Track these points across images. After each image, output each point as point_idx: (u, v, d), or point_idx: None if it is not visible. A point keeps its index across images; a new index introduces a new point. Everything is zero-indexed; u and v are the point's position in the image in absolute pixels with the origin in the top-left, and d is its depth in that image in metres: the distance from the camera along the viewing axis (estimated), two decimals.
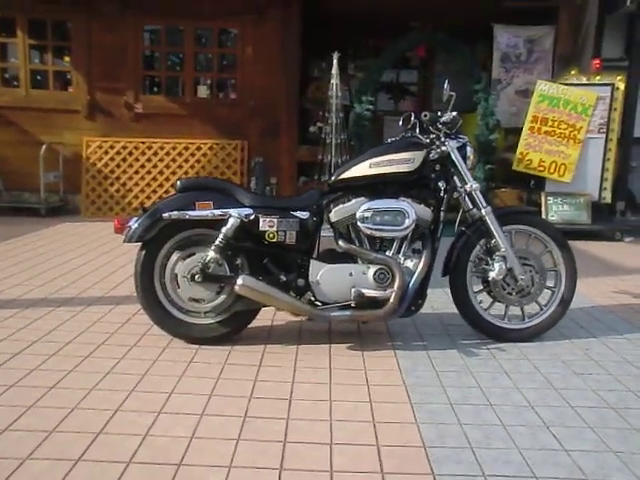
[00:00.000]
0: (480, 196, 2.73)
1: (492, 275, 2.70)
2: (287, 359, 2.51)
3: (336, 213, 2.63)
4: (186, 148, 6.28)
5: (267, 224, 2.56)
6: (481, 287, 2.82)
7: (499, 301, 2.80)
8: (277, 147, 6.40)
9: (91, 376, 2.25)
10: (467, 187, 2.70)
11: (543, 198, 5.92)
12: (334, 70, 5.65)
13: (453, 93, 2.72)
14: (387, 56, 6.05)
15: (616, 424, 1.98)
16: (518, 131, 6.50)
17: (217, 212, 2.54)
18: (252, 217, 2.55)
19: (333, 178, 2.71)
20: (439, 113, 2.71)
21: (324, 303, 2.61)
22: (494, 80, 6.46)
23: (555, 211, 5.88)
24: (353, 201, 2.64)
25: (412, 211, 2.59)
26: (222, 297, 2.60)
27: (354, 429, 1.92)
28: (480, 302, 2.80)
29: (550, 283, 2.82)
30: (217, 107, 6.45)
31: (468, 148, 2.76)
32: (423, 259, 2.60)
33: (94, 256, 4.30)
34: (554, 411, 2.07)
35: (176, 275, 2.59)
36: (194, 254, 2.59)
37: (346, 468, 1.68)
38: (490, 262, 2.73)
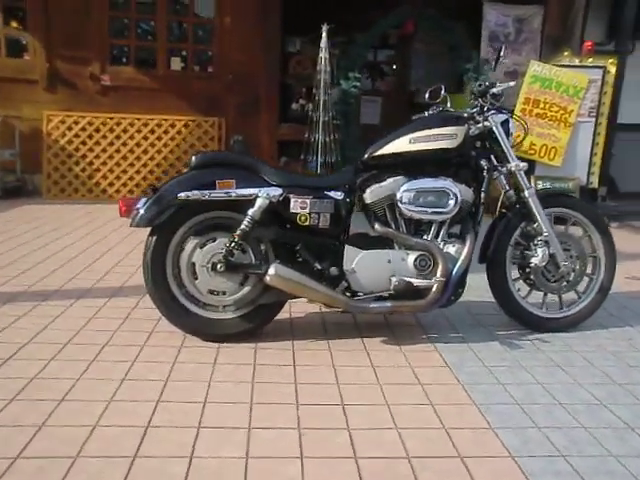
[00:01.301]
0: (524, 176, 2.56)
1: (535, 261, 2.54)
2: (322, 357, 2.27)
3: (372, 193, 2.38)
4: (159, 125, 5.83)
5: (299, 205, 2.29)
6: (517, 274, 2.68)
7: (537, 289, 2.65)
8: (257, 125, 6.05)
9: (104, 385, 1.93)
10: (511, 166, 2.51)
11: (533, 182, 5.87)
12: (323, 44, 5.34)
13: (507, 60, 2.51)
14: (375, 31, 5.80)
15: None
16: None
17: (242, 192, 2.25)
18: (282, 198, 2.27)
19: (367, 155, 2.46)
20: (487, 83, 2.50)
21: (358, 293, 2.39)
22: (482, 60, 6.33)
23: None
24: (391, 180, 2.40)
25: (458, 191, 2.38)
26: (246, 288, 2.32)
27: (426, 437, 1.71)
28: (518, 290, 2.65)
29: (589, 269, 2.70)
30: (192, 81, 6.02)
31: (511, 123, 2.57)
32: (467, 245, 2.40)
33: (70, 241, 3.88)
34: (630, 410, 1.93)
35: (193, 264, 2.28)
36: (214, 240, 2.29)
37: None
38: (532, 247, 2.58)
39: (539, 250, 2.54)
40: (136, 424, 1.70)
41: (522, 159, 6.02)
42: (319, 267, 2.32)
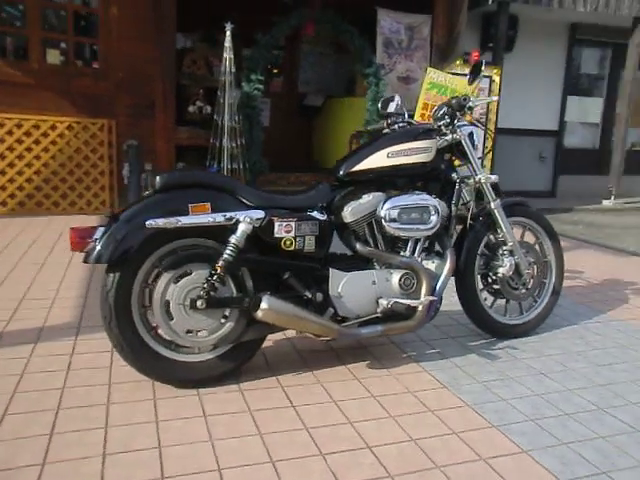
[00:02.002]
0: (490, 188, 2.60)
1: (502, 271, 2.60)
2: (315, 392, 2.08)
3: (353, 212, 2.25)
4: (36, 127, 5.08)
5: (283, 229, 2.08)
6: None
7: (502, 297, 2.73)
8: (152, 128, 5.55)
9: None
10: (480, 178, 2.54)
11: None
12: (227, 43, 5.05)
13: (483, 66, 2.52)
14: (277, 31, 5.63)
15: None
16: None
17: (220, 217, 1.98)
18: (265, 221, 2.04)
19: (342, 171, 2.31)
20: (464, 97, 2.48)
21: (345, 319, 2.24)
22: (378, 65, 6.48)
23: None
24: (370, 197, 2.29)
25: (438, 206, 2.34)
26: (229, 325, 2.04)
27: (471, 473, 1.63)
28: (485, 299, 2.69)
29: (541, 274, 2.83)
30: (75, 77, 5.33)
31: (475, 135, 2.60)
32: (448, 260, 2.38)
33: None
34: (631, 414, 2.03)
35: (167, 302, 1.96)
36: (190, 273, 1.99)
37: None
38: (497, 257, 2.63)
39: (506, 260, 2.60)
40: None
41: None
42: (308, 295, 2.13)
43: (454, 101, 2.48)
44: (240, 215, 2.00)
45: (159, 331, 2.04)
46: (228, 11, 5.55)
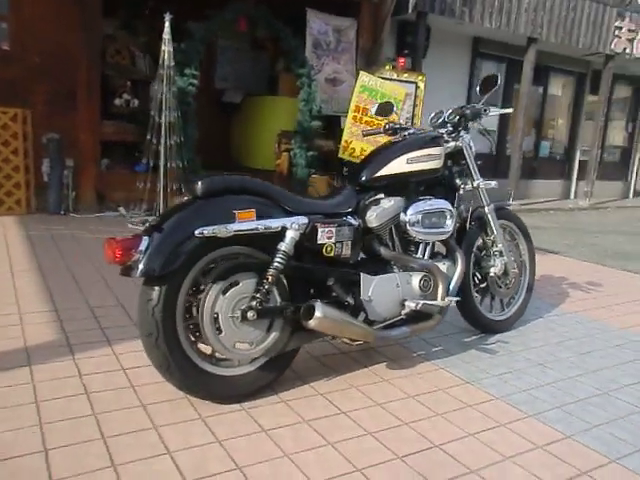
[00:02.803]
0: (485, 192, 2.79)
1: (494, 271, 2.82)
2: (355, 396, 2.11)
3: (378, 217, 2.30)
4: None
5: (326, 235, 2.08)
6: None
7: (490, 295, 2.94)
8: (74, 120, 5.13)
9: None
10: (479, 183, 2.72)
11: None
12: (166, 35, 4.80)
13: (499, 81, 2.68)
14: (211, 25, 5.46)
15: None
16: (329, 118, 6.82)
17: (269, 224, 1.93)
18: (309, 228, 2.03)
19: (366, 176, 2.36)
20: (477, 106, 2.64)
21: (373, 322, 2.29)
22: (310, 66, 6.54)
23: None
24: (392, 202, 2.36)
25: (453, 211, 2.48)
26: (274, 335, 2.00)
27: (538, 461, 1.77)
28: (476, 297, 2.89)
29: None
30: None
31: (471, 142, 2.78)
32: (460, 262, 2.52)
33: None
34: (631, 395, 2.31)
35: (216, 315, 1.87)
36: (237, 283, 1.91)
37: None
38: (489, 258, 2.84)
39: (497, 260, 2.82)
40: None
41: (353, 163, 6.54)
42: (350, 301, 2.15)
43: (468, 111, 2.63)
44: (287, 222, 1.97)
45: (199, 345, 1.95)
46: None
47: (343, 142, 6.16)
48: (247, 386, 2.01)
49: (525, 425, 2.00)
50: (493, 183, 2.77)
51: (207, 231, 1.80)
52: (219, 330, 1.89)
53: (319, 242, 2.06)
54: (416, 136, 2.56)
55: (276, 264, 1.93)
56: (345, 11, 6.69)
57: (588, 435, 1.96)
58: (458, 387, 2.28)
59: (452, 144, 2.64)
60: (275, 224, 1.94)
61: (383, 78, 6.26)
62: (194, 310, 1.94)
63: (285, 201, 2.05)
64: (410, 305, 2.30)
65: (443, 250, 2.63)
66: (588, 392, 2.32)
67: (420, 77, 6.55)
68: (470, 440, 1.87)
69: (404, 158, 2.40)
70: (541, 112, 10.37)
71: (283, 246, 1.95)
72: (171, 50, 4.84)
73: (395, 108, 2.83)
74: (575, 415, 2.10)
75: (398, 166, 2.39)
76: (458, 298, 2.42)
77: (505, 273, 2.89)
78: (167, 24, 4.79)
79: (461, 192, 2.66)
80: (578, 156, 10.76)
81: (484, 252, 2.88)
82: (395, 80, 6.35)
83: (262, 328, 1.98)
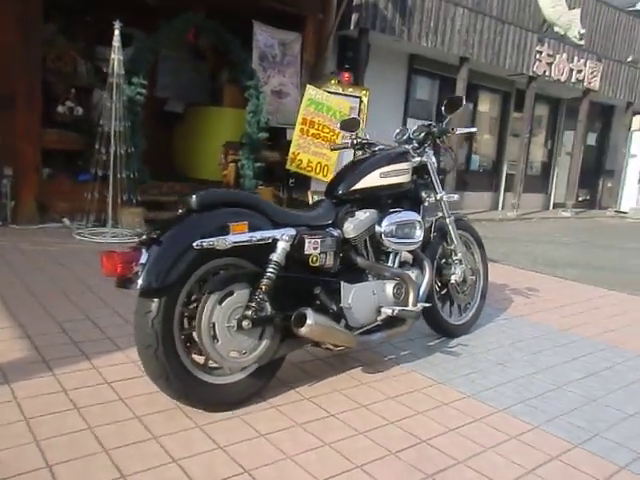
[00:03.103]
0: (446, 205, 3.00)
1: (455, 278, 3.03)
2: (340, 400, 2.23)
3: (355, 228, 2.45)
4: None
5: (312, 246, 2.20)
6: None
7: (449, 301, 3.15)
8: (12, 127, 4.93)
9: None
10: (442, 196, 2.93)
11: (310, 196, 6.51)
12: (116, 42, 4.74)
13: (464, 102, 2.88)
14: (160, 34, 5.44)
15: None
16: (274, 130, 6.92)
17: (259, 235, 2.02)
18: (297, 239, 2.13)
19: (343, 190, 2.50)
20: (443, 125, 2.84)
21: (352, 329, 2.42)
22: (258, 78, 6.63)
23: None
24: (367, 213, 2.52)
25: (422, 222, 2.66)
26: (265, 343, 2.08)
27: (516, 449, 1.96)
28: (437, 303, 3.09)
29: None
30: None
31: (434, 157, 2.98)
32: (427, 270, 2.71)
33: None
34: (581, 388, 2.58)
35: (213, 325, 1.93)
36: (232, 293, 1.98)
37: None
38: (449, 266, 3.06)
39: (457, 268, 3.04)
40: None
41: (299, 175, 6.69)
42: (334, 308, 2.27)
43: (435, 129, 2.83)
44: (277, 233, 2.06)
45: (194, 356, 2.00)
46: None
47: (291, 154, 6.28)
48: (239, 393, 2.08)
49: (497, 419, 2.20)
50: (455, 196, 3.00)
51: (206, 243, 1.87)
52: (215, 339, 1.95)
53: (306, 252, 2.18)
54: (386, 152, 2.73)
55: (269, 274, 2.02)
56: (290, 25, 6.85)
57: (552, 425, 2.18)
58: (432, 387, 2.45)
59: (417, 159, 2.84)
60: (267, 235, 2.04)
61: (329, 92, 6.45)
62: (185, 321, 1.99)
63: (272, 213, 2.14)
64: (387, 311, 2.45)
65: (409, 259, 2.82)
66: (545, 387, 2.56)
67: (364, 92, 6.80)
68: (452, 435, 2.04)
69: (377, 172, 2.56)
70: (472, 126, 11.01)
71: (275, 256, 2.04)
72: (121, 58, 4.78)
73: (359, 123, 2.97)
74: (538, 408, 2.32)
75: (372, 180, 2.55)
76: (430, 304, 2.60)
77: (464, 280, 3.11)
78: (117, 32, 4.74)
79: (426, 204, 2.86)
80: (505, 169, 11.50)
81: (444, 260, 3.09)
82: (340, 94, 6.56)
83: (255, 336, 2.06)
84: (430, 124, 2.93)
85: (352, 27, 7.38)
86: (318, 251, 2.22)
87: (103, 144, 4.85)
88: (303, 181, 6.63)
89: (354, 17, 7.37)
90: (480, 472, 1.81)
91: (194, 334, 1.98)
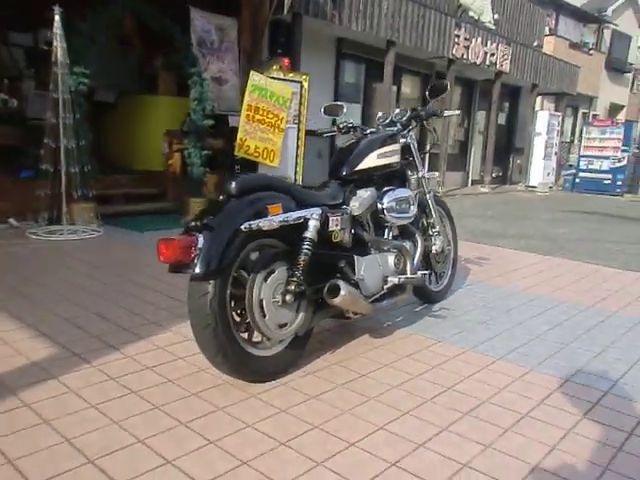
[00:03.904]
0: (427, 182, 3.33)
1: (435, 248, 3.38)
2: (372, 365, 2.52)
3: (361, 205, 2.71)
4: None
5: (334, 223, 2.45)
6: None
7: (431, 270, 3.50)
8: None
9: None
10: (423, 174, 3.25)
11: None
12: (57, 29, 4.60)
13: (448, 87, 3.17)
14: (98, 21, 5.32)
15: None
16: (216, 117, 6.97)
17: (295, 215, 2.23)
18: (323, 217, 2.37)
19: (346, 171, 2.74)
20: (430, 109, 3.14)
21: (365, 297, 2.69)
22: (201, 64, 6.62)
23: None
24: (369, 192, 2.79)
25: (414, 197, 2.98)
26: (301, 315, 2.32)
27: (520, 388, 2.34)
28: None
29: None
30: None
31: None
32: (419, 242, 3.04)
33: None
34: (557, 334, 3.04)
35: (261, 301, 2.13)
36: (274, 271, 2.18)
37: None
38: (430, 237, 3.40)
39: (437, 240, 3.39)
40: None
41: (247, 160, 6.82)
42: (353, 279, 2.52)
43: (423, 112, 3.13)
44: (308, 213, 2.29)
45: (261, 329, 2.19)
46: None
47: (238, 140, 6.38)
48: (280, 364, 2.31)
49: (499, 366, 2.58)
50: (437, 174, 3.34)
51: (254, 225, 2.06)
52: (264, 314, 2.15)
53: (330, 229, 2.42)
54: (379, 134, 3.01)
55: (305, 250, 2.24)
56: (226, 10, 6.89)
57: (543, 366, 2.60)
58: (434, 345, 2.79)
59: (403, 141, 3.14)
60: (301, 215, 2.25)
61: (272, 77, 6.61)
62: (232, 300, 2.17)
63: (298, 195, 2.36)
64: (394, 280, 2.75)
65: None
66: (525, 338, 2.98)
67: (304, 77, 7.01)
68: (469, 381, 2.39)
69: (375, 154, 2.84)
70: (397, 107, 11.54)
71: (308, 234, 2.27)
72: (64, 46, 4.67)
73: (344, 109, 3.21)
74: (527, 355, 2.74)
75: (371, 161, 2.82)
76: (429, 271, 2.93)
77: (442, 250, 3.48)
78: (57, 17, 4.61)
79: (412, 181, 3.18)
80: (428, 148, 12.16)
81: (424, 233, 3.44)
82: (282, 79, 6.73)
83: (294, 310, 2.28)
84: (416, 108, 3.23)
85: (285, 12, 7.53)
86: (339, 227, 2.47)
87: (51, 138, 4.73)
88: (250, 167, 6.76)
89: (287, 2, 7.52)
90: (502, 406, 2.17)
91: (238, 312, 2.17)
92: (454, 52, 10.63)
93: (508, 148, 15.54)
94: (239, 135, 6.39)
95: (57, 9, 4.60)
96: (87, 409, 1.95)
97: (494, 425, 2.02)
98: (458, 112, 3.64)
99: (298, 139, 7.07)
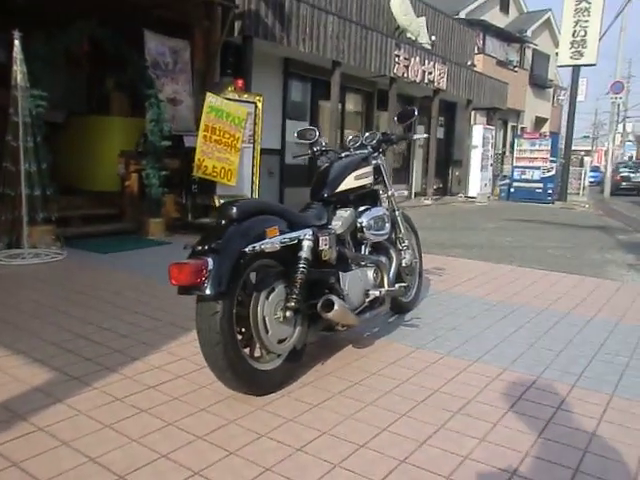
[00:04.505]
0: (395, 199, 3.54)
1: (404, 262, 3.59)
2: (359, 375, 2.67)
3: (343, 224, 2.88)
4: None
5: (324, 243, 2.59)
6: None
7: (400, 282, 3.71)
8: None
9: None
10: (392, 192, 3.46)
11: (217, 201, 6.72)
12: (17, 54, 4.55)
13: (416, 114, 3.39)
14: (56, 45, 5.27)
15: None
16: (172, 138, 7.00)
17: (290, 236, 2.38)
18: (314, 238, 2.52)
19: (328, 193, 2.91)
20: (399, 133, 3.35)
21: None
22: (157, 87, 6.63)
23: None
24: (348, 212, 2.97)
25: (389, 215, 3.18)
26: (298, 329, 2.45)
27: (501, 388, 2.56)
28: None
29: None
30: None
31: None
32: (394, 256, 3.24)
33: None
34: (524, 336, 3.30)
35: (264, 318, 2.25)
36: (274, 290, 2.31)
37: None
38: (400, 252, 3.61)
39: (407, 254, 3.61)
40: None
41: (204, 180, 6.88)
42: (339, 294, 2.68)
43: (394, 136, 3.34)
44: (301, 234, 2.43)
45: (266, 345, 2.31)
46: None
47: (196, 160, 6.46)
48: (280, 376, 2.43)
49: (476, 368, 2.80)
50: (405, 192, 3.58)
51: (257, 247, 2.18)
52: (266, 330, 2.27)
53: (320, 248, 2.57)
54: (353, 157, 3.20)
55: (301, 269, 2.39)
56: (179, 33, 6.96)
57: (515, 365, 2.84)
58: (415, 352, 2.99)
59: (374, 162, 3.34)
60: (295, 235, 2.40)
61: (227, 99, 6.72)
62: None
63: (289, 217, 2.50)
64: (375, 293, 2.94)
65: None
66: (495, 341, 3.23)
67: (258, 97, 7.18)
68: (452, 384, 2.59)
69: (352, 176, 3.03)
70: (342, 124, 11.88)
71: (303, 254, 2.41)
72: (25, 71, 4.62)
73: (316, 132, 3.38)
74: (499, 355, 2.98)
75: (350, 182, 3.01)
76: (406, 284, 3.13)
77: (410, 264, 3.70)
78: (17, 42, 4.57)
79: (383, 200, 3.38)
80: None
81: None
82: (237, 100, 6.86)
83: (291, 325, 2.42)
84: (385, 132, 3.45)
85: (236, 34, 7.68)
86: (327, 246, 2.62)
87: (10, 160, 4.65)
88: (207, 186, 6.82)
89: (237, 25, 7.67)
90: (489, 404, 2.38)
91: (239, 330, 2.29)
92: (395, 71, 11.09)
93: (447, 161, 16.25)
94: (197, 155, 6.47)
95: (17, 34, 4.55)
96: (102, 429, 2.01)
97: (484, 421, 2.22)
98: (426, 135, 3.90)
99: (254, 158, 7.20)
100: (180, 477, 1.74)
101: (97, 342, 2.88)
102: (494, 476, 1.84)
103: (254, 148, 7.19)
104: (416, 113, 3.46)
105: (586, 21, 16.03)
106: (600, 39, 16.27)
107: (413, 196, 14.60)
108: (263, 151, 9.47)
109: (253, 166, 7.21)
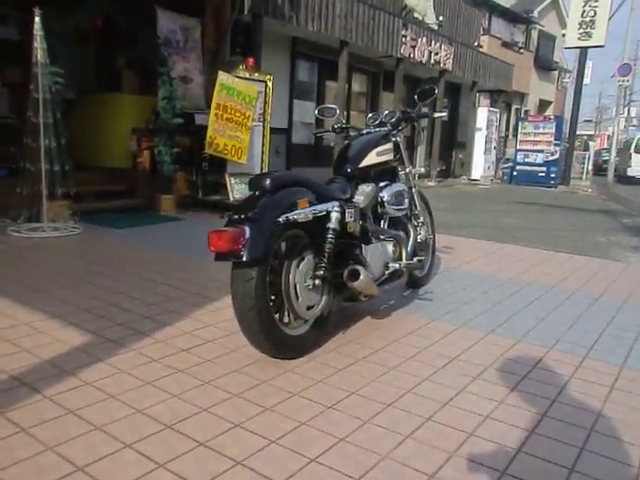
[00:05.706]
0: (412, 177, 3.64)
1: (420, 238, 3.69)
2: (380, 342, 2.80)
3: (365, 199, 2.98)
4: None
5: (349, 215, 2.70)
6: None
7: (417, 256, 3.82)
8: None
9: None
10: (410, 169, 3.56)
11: (227, 178, 6.80)
12: (37, 31, 4.60)
13: (437, 92, 3.46)
14: (72, 20, 5.32)
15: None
16: (183, 115, 7.05)
17: (320, 207, 2.48)
18: (341, 210, 2.62)
19: (351, 168, 3.00)
20: (420, 110, 3.43)
21: None
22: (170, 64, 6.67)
23: (237, 190, 6.89)
24: (370, 187, 3.06)
25: (407, 191, 3.28)
26: (325, 297, 2.57)
27: (516, 356, 2.69)
28: None
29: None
30: None
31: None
32: (412, 231, 3.35)
33: None
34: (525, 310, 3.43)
35: (295, 285, 2.37)
36: (303, 259, 2.43)
37: None
38: (416, 228, 3.72)
39: (422, 230, 3.72)
40: None
41: (216, 158, 6.96)
42: (363, 265, 2.79)
43: (414, 114, 3.42)
44: (330, 206, 2.54)
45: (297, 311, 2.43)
46: None
47: (208, 138, 6.51)
48: (307, 342, 2.55)
49: (490, 339, 2.93)
50: (422, 169, 3.68)
51: (291, 216, 2.29)
52: (297, 297, 2.39)
53: (346, 220, 2.67)
54: (374, 134, 3.29)
55: (329, 239, 2.50)
56: (190, 11, 6.97)
57: (528, 337, 2.97)
58: (431, 324, 3.11)
59: (393, 140, 3.43)
60: (325, 207, 2.50)
61: (238, 77, 6.76)
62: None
63: (317, 189, 2.60)
64: (395, 266, 3.05)
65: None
66: (506, 315, 3.36)
67: (268, 76, 7.22)
68: (469, 352, 2.72)
69: (375, 152, 3.12)
70: (347, 105, 11.90)
71: (332, 225, 2.52)
72: (45, 47, 4.67)
73: (336, 110, 3.47)
74: (513, 328, 3.10)
75: (372, 158, 3.10)
76: (423, 257, 3.24)
77: (425, 240, 3.81)
78: (37, 19, 4.62)
79: (401, 177, 3.48)
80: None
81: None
82: (248, 79, 6.91)
83: (319, 293, 2.54)
84: (406, 110, 3.53)
85: (246, 12, 7.69)
86: (352, 219, 2.73)
87: (30, 137, 4.72)
88: (218, 164, 6.89)
89: (247, 2, 7.67)
90: (502, 370, 2.51)
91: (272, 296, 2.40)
92: (402, 51, 11.09)
93: (451, 143, 16.28)
94: (209, 133, 6.53)
95: (37, 11, 4.59)
96: (144, 385, 2.13)
97: (501, 386, 2.35)
98: (445, 114, 3.98)
99: (263, 137, 7.26)
100: (223, 428, 1.87)
101: (127, 309, 3.00)
102: (515, 433, 1.97)
103: (264, 127, 7.24)
104: (436, 91, 3.53)
105: (596, 0, 15.90)
106: (609, 19, 16.16)
107: (417, 177, 14.64)
108: (272, 130, 9.61)
109: (263, 145, 7.28)
